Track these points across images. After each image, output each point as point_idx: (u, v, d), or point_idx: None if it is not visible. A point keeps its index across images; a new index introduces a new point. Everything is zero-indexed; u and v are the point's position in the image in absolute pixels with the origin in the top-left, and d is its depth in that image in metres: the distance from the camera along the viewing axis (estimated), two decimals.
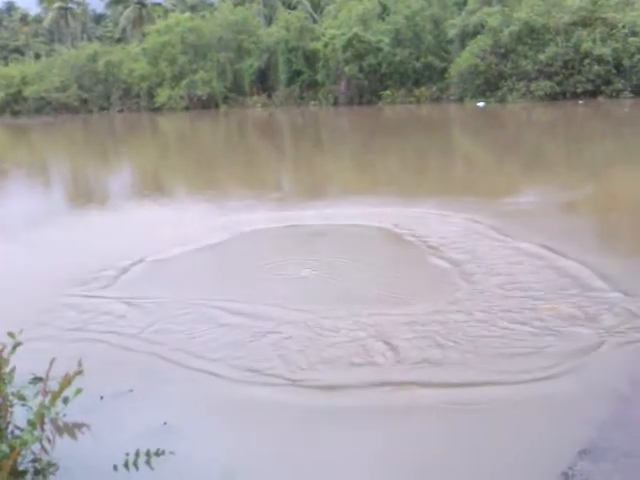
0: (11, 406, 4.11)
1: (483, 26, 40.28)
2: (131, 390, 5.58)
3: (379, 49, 43.01)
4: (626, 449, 4.16)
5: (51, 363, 4.14)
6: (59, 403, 4.00)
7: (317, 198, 14.01)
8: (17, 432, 3.93)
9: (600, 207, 12.16)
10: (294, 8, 53.42)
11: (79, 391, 3.97)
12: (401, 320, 6.68)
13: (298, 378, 5.65)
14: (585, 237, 9.87)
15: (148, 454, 4.15)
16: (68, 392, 3.98)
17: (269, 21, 53.18)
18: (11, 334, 4.06)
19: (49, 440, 3.98)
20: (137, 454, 4.12)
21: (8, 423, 4.03)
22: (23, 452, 3.89)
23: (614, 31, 37.11)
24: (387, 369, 5.73)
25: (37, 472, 3.97)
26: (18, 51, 69.25)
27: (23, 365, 4.12)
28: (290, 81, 46.79)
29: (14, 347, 4.07)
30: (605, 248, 9.36)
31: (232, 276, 8.87)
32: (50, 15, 68.82)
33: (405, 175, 17.22)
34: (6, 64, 61.33)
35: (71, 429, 4.03)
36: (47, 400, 4.03)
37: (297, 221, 11.62)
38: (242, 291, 8.01)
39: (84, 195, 17.62)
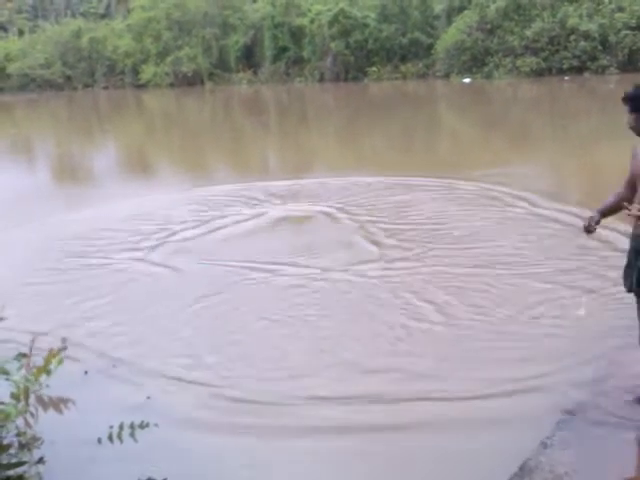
0: None
1: (470, 1, 40.08)
2: (114, 365, 5.63)
3: (365, 25, 42.74)
4: None
5: (33, 340, 4.14)
6: (43, 377, 4.02)
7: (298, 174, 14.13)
8: (1, 406, 3.95)
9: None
10: None
11: (61, 361, 3.98)
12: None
13: None
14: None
15: (132, 427, 4.17)
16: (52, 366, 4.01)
17: None
18: None
19: (32, 414, 4.00)
20: (121, 427, 4.15)
21: None
22: (7, 426, 3.91)
23: (600, 7, 37.01)
24: None
25: (22, 446, 3.98)
26: (1, 28, 68.27)
27: None
28: (276, 58, 46.45)
29: None
30: None
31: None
32: None
33: (388, 152, 17.18)
34: None
35: (55, 403, 4.03)
36: (31, 374, 4.05)
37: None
38: None
39: (69, 173, 17.59)
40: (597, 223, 4.38)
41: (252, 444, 4.51)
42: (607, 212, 4.42)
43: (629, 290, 4.34)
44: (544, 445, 4.02)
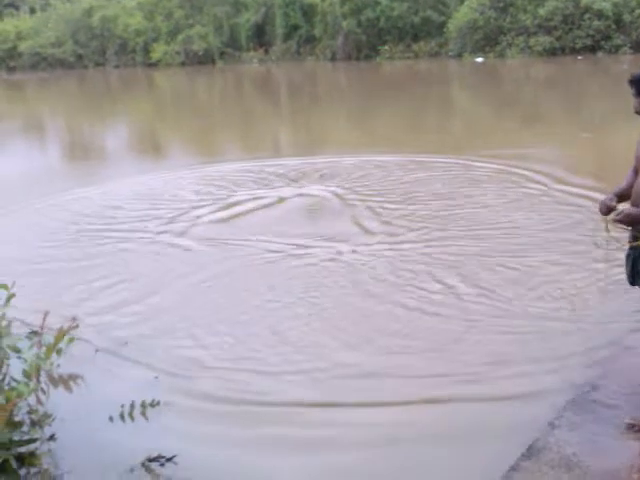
0: (7, 359, 4.15)
1: None
2: (125, 344, 5.65)
3: (377, 3, 42.40)
4: None
5: (44, 318, 4.17)
6: (54, 355, 4.05)
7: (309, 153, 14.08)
8: (13, 384, 3.98)
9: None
10: None
11: (72, 340, 4.01)
12: None
13: None
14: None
15: (143, 405, 4.21)
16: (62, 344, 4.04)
17: None
18: (4, 286, 4.08)
19: (44, 392, 4.03)
20: (132, 405, 4.19)
21: (4, 375, 4.08)
22: (19, 404, 3.95)
23: None
24: None
25: (33, 423, 4.02)
26: (13, 5, 68.04)
27: None
28: (287, 36, 46.24)
29: (8, 300, 4.10)
30: None
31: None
32: None
33: (400, 131, 17.09)
34: (0, 19, 60.54)
35: (66, 381, 4.07)
36: (42, 352, 4.08)
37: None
38: None
39: (80, 151, 17.61)
40: (613, 208, 4.12)
41: (259, 417, 4.54)
42: (621, 196, 4.21)
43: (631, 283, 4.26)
44: (552, 426, 4.03)
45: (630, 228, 3.94)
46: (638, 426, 3.92)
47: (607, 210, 4.14)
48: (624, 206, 4.02)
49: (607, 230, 4.12)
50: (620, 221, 3.88)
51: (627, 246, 4.12)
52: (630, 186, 4.12)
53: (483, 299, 6.20)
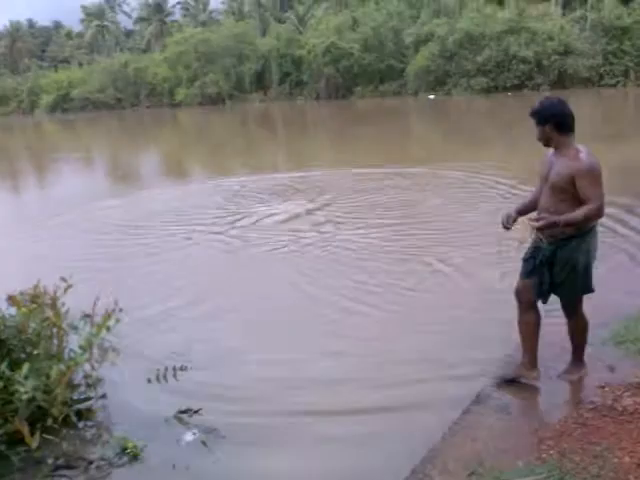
0: (66, 335, 4.12)
1: (433, 35, 39.90)
2: (160, 320, 5.53)
3: (351, 54, 42.56)
4: None
5: (95, 303, 4.14)
6: (103, 332, 4.03)
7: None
8: (72, 355, 3.95)
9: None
10: (284, 22, 52.48)
11: (118, 321, 3.99)
12: None
13: None
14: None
15: (174, 369, 4.18)
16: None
17: (263, 33, 52.20)
18: (62, 278, 4.05)
19: (97, 360, 4.01)
20: (165, 369, 4.16)
21: (64, 348, 4.05)
22: (77, 370, 3.92)
23: (535, 37, 36.91)
24: None
25: (88, 385, 4.00)
26: (65, 61, 67.91)
27: None
28: (281, 81, 46.38)
29: (66, 289, 4.07)
30: None
31: None
32: (90, 31, 67.72)
33: (370, 151, 17.03)
34: (56, 71, 60.36)
35: (113, 352, 4.05)
36: (94, 330, 4.05)
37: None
38: None
39: (121, 171, 17.48)
40: (514, 221, 3.77)
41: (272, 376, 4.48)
42: (523, 211, 3.83)
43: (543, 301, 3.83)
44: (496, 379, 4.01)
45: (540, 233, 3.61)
46: (517, 380, 3.89)
47: (507, 221, 3.75)
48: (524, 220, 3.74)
49: (531, 234, 3.65)
50: (538, 225, 3.54)
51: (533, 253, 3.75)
52: (533, 201, 3.81)
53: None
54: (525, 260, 3.84)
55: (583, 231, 3.58)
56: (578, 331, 3.87)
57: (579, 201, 3.49)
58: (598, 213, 3.51)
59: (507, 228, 3.77)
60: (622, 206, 8.26)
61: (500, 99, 34.00)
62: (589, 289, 3.73)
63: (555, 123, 3.55)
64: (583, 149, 3.55)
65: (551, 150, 3.71)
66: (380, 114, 32.21)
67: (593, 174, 3.46)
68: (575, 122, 3.59)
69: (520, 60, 36.50)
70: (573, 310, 3.81)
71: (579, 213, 3.47)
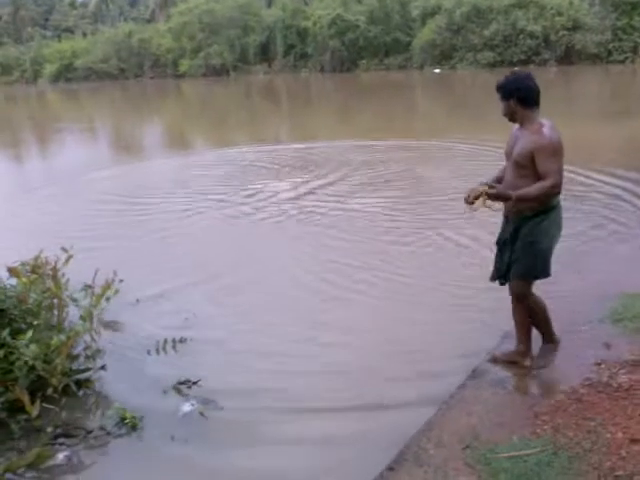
0: (67, 306, 4.14)
1: (440, 7, 39.27)
2: (161, 296, 5.49)
3: (357, 26, 41.97)
4: None
5: (95, 274, 4.16)
6: (103, 303, 4.04)
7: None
8: (72, 325, 3.98)
9: None
10: None
11: (117, 291, 4.00)
12: None
13: None
14: None
15: (174, 341, 4.21)
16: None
17: (269, 4, 51.53)
18: (63, 249, 4.06)
19: (96, 332, 4.03)
20: (165, 341, 4.19)
21: (64, 319, 4.07)
22: (77, 341, 3.94)
23: (544, 12, 36.32)
24: None
25: (88, 356, 4.02)
26: (69, 30, 67.19)
27: None
28: (286, 53, 45.80)
29: (66, 260, 4.08)
30: None
31: None
32: (93, 1, 67.18)
33: (374, 124, 16.89)
34: (60, 41, 59.80)
35: (113, 324, 4.08)
36: (94, 301, 4.07)
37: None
38: None
39: (123, 142, 17.39)
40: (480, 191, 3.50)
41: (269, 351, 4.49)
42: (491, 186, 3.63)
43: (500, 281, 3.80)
44: (489, 355, 4.03)
45: (495, 203, 3.52)
46: (500, 360, 3.89)
47: (472, 195, 3.53)
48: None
49: (483, 203, 3.46)
50: (491, 194, 3.44)
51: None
52: (500, 178, 3.73)
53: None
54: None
55: (547, 207, 3.51)
56: (536, 314, 3.81)
57: (539, 178, 3.42)
58: (553, 190, 3.41)
59: (470, 203, 3.53)
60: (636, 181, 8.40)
61: (505, 74, 33.40)
62: (546, 273, 3.63)
63: (519, 97, 3.53)
64: (547, 123, 3.48)
65: (517, 125, 3.65)
66: (385, 88, 31.87)
67: (551, 149, 3.39)
68: (540, 97, 3.53)
69: (528, 35, 35.97)
70: (522, 294, 3.69)
71: (532, 189, 3.40)
